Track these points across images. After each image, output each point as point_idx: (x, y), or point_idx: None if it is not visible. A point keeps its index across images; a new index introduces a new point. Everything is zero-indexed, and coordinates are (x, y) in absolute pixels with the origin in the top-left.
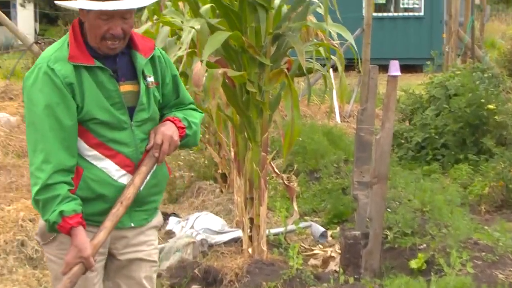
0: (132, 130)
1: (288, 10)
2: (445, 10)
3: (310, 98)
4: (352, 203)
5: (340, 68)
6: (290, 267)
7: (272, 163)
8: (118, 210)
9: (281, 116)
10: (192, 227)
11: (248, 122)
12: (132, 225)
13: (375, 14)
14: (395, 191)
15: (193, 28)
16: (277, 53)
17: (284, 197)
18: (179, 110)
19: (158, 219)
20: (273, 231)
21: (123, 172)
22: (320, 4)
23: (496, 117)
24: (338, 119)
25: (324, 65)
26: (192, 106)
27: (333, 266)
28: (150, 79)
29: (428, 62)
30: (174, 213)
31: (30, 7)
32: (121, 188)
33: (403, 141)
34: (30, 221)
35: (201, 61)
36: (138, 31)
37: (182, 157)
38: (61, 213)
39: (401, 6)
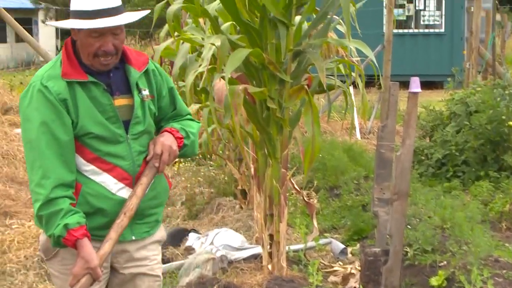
0: (128, 143)
1: (309, 26)
2: (466, 26)
3: (330, 115)
4: (372, 220)
5: (361, 84)
6: (309, 284)
7: (292, 179)
8: (122, 220)
9: (301, 132)
10: (211, 243)
11: (268, 138)
12: (134, 238)
13: (395, 30)
14: (416, 208)
15: (214, 44)
16: (297, 69)
17: (304, 214)
18: (176, 121)
19: (161, 233)
20: (293, 247)
21: (122, 185)
22: (341, 21)
23: None
24: (358, 135)
25: (344, 82)
26: (189, 116)
27: (353, 283)
28: (145, 92)
29: (449, 79)
30: (194, 229)
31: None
32: (120, 202)
33: (423, 157)
34: None
35: (222, 77)
36: (159, 48)
37: (202, 173)
38: (66, 226)
39: (422, 22)
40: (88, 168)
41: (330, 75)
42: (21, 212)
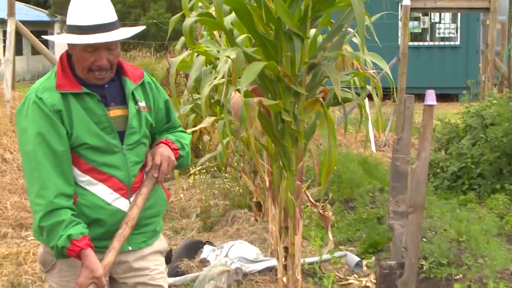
0: (123, 153)
1: (324, 39)
2: (481, 39)
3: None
4: (388, 233)
5: (376, 97)
6: None
7: (307, 192)
8: (124, 230)
9: (316, 145)
10: (226, 255)
11: (283, 151)
12: (130, 248)
13: (411, 43)
14: (431, 220)
15: (229, 57)
16: (312, 82)
17: (319, 226)
18: (170, 133)
19: (161, 243)
20: (307, 260)
21: (117, 195)
22: (356, 33)
23: None
24: (373, 148)
25: (359, 94)
26: (180, 128)
27: None
28: (142, 103)
29: (464, 91)
30: (208, 241)
31: None
32: (115, 212)
33: (439, 170)
34: None
35: (237, 90)
36: (174, 61)
37: (217, 186)
38: (69, 237)
39: (437, 35)
40: (83, 178)
41: (345, 88)
42: None
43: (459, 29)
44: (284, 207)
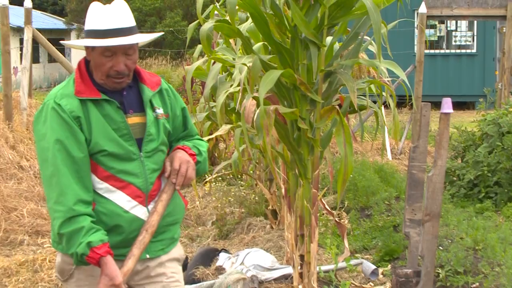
0: (141, 161)
1: (340, 47)
2: (497, 47)
3: (362, 135)
4: (404, 241)
5: (392, 105)
6: None
7: (322, 199)
8: (144, 237)
9: (332, 153)
10: (242, 263)
11: (299, 159)
12: (148, 256)
13: (427, 51)
14: (447, 229)
15: (245, 65)
16: (328, 90)
17: (334, 234)
18: (187, 141)
19: (178, 251)
20: (323, 268)
21: (135, 203)
22: (372, 41)
23: None
24: (389, 156)
25: (375, 102)
26: (197, 136)
27: None
28: (160, 111)
29: (481, 99)
30: (224, 249)
31: None
32: (133, 219)
33: (455, 178)
34: None
35: (254, 98)
36: (190, 68)
37: (233, 193)
38: (89, 244)
39: (454, 43)
40: (101, 186)
41: (361, 96)
42: None
43: (475, 37)
44: (300, 215)
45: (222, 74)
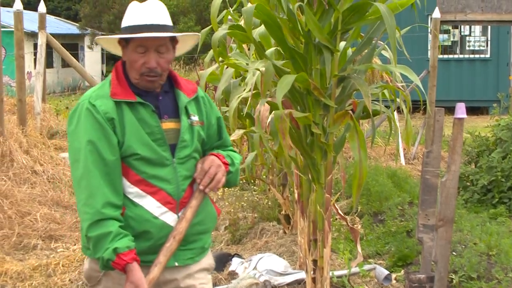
0: (174, 167)
1: (354, 52)
2: (511, 52)
3: (374, 140)
4: (417, 246)
5: (405, 110)
6: None
7: (336, 204)
8: (171, 244)
9: (345, 158)
10: (255, 268)
11: (312, 163)
12: (176, 264)
13: (440, 56)
14: (461, 234)
15: (258, 69)
16: (342, 95)
17: (347, 239)
18: (221, 150)
19: (208, 260)
20: (336, 273)
21: (165, 209)
22: (386, 46)
23: None
24: (402, 161)
25: (388, 107)
26: (231, 148)
27: None
28: (195, 118)
29: (495, 105)
30: (237, 254)
31: (98, 49)
32: (162, 226)
33: (469, 183)
34: None
35: (267, 102)
36: (204, 73)
37: (246, 198)
38: (115, 250)
39: (467, 48)
40: (132, 190)
41: (375, 100)
42: (66, 235)
43: (489, 42)
44: (313, 219)
45: (235, 79)
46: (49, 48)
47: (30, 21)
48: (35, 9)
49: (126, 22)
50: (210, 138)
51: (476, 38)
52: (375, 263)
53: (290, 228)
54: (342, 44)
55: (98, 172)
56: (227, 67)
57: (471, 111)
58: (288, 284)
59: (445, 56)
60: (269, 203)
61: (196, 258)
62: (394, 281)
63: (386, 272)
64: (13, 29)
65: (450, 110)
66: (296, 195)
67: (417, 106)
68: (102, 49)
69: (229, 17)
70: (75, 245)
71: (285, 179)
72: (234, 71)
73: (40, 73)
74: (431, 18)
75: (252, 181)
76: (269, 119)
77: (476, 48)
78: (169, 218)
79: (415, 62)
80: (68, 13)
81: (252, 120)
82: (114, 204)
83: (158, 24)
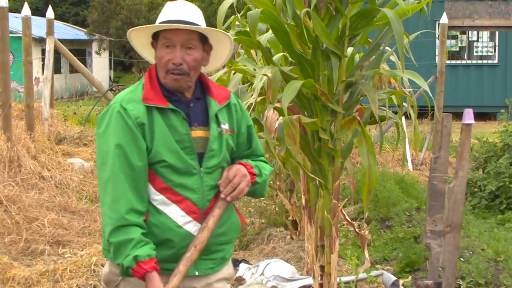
0: (201, 176)
1: (361, 58)
2: None
3: (382, 146)
4: (424, 252)
5: (413, 116)
6: None
7: (343, 210)
8: (192, 254)
9: (352, 163)
10: (262, 274)
11: (319, 169)
12: (197, 273)
13: (448, 61)
14: (469, 240)
15: (266, 75)
16: (349, 100)
17: (355, 245)
18: (251, 160)
19: (228, 270)
20: (344, 279)
21: (189, 218)
22: (394, 52)
23: None
24: (410, 167)
25: (396, 113)
26: (262, 158)
27: None
28: (225, 126)
29: (502, 110)
30: (244, 260)
31: (105, 55)
32: (185, 235)
33: (476, 189)
34: (103, 266)
35: (275, 108)
36: (212, 78)
37: (253, 204)
38: (135, 258)
39: (475, 53)
40: (157, 197)
41: (382, 106)
42: (74, 241)
43: (497, 48)
44: (321, 225)
45: (243, 84)
46: (57, 53)
47: (38, 26)
48: (43, 15)
49: (159, 19)
50: (240, 146)
51: (484, 44)
52: (382, 269)
53: (297, 234)
54: (350, 49)
55: (124, 177)
56: (234, 73)
57: (478, 116)
58: None
59: (453, 61)
60: (277, 209)
61: (216, 268)
62: (401, 287)
63: (394, 278)
64: (21, 35)
65: (458, 116)
66: (303, 201)
67: (424, 112)
68: (110, 55)
69: (237, 22)
70: (82, 250)
71: (292, 185)
72: (242, 77)
73: (48, 79)
74: (438, 24)
75: None
76: (276, 125)
77: (484, 53)
78: (193, 227)
79: (422, 67)
80: (76, 18)
81: (259, 126)
82: (138, 211)
83: (186, 20)
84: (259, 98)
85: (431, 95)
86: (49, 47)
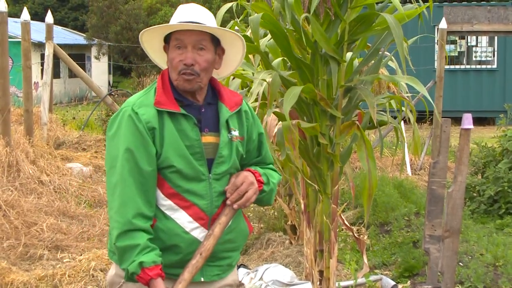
0: (209, 182)
1: (360, 63)
2: None
3: (382, 151)
4: (423, 257)
5: (412, 120)
6: None
7: (342, 215)
8: (197, 261)
9: (352, 168)
10: (261, 278)
11: (319, 174)
12: (202, 279)
13: (447, 66)
14: (467, 245)
15: (264, 80)
16: (348, 105)
17: (354, 250)
18: (260, 167)
19: (233, 277)
20: (342, 284)
21: (196, 224)
22: (392, 57)
23: None
24: (409, 171)
25: (395, 117)
26: (271, 166)
27: None
28: (235, 132)
29: (501, 115)
30: (243, 264)
31: (104, 60)
32: (192, 241)
33: (475, 194)
34: (101, 271)
35: (274, 113)
36: None
37: (252, 208)
38: (141, 264)
39: (474, 58)
40: (165, 203)
41: (381, 111)
42: (72, 246)
43: (496, 53)
44: (319, 230)
45: (241, 89)
46: (56, 58)
47: (37, 31)
48: (42, 20)
49: (173, 20)
50: (249, 153)
51: (483, 49)
52: (381, 273)
53: (296, 238)
54: (349, 54)
55: (133, 181)
56: (233, 78)
57: (477, 121)
58: None
59: (452, 66)
60: (275, 214)
61: (222, 275)
62: None
63: (393, 283)
64: (20, 40)
65: (457, 121)
66: (302, 206)
67: (423, 117)
68: (109, 60)
69: (236, 27)
70: (81, 255)
71: (291, 190)
72: (240, 82)
73: (47, 83)
74: (437, 29)
75: None
76: (275, 130)
77: (483, 58)
78: (200, 234)
79: (421, 72)
80: (75, 23)
81: None
82: (145, 215)
83: (197, 21)
84: (259, 103)
85: (430, 100)
86: (48, 51)
